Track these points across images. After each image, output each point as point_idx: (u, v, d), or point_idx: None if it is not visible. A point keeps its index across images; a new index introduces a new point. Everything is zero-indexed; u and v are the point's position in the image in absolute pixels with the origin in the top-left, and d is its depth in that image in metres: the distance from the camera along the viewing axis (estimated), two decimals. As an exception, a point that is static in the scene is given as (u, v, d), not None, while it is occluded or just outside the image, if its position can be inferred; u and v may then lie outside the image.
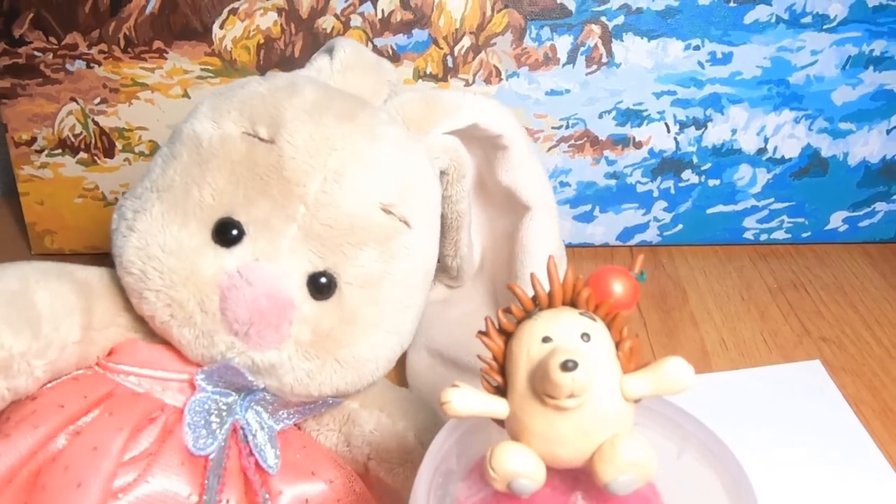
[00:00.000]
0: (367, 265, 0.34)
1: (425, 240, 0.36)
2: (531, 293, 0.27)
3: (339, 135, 0.34)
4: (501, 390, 0.27)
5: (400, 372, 0.51)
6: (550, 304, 0.27)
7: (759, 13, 0.58)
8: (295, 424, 0.37)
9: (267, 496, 0.31)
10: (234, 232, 0.33)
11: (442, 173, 0.41)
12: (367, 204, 0.34)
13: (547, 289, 0.27)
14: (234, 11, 0.58)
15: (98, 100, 0.61)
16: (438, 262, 0.48)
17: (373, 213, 0.34)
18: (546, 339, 0.25)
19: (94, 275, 0.36)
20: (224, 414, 0.33)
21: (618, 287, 0.27)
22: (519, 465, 0.25)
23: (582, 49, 0.60)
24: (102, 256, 0.69)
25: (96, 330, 0.34)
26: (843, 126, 0.62)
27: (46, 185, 0.64)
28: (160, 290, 0.32)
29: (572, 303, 0.27)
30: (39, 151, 0.63)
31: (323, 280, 0.33)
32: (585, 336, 0.25)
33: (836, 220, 0.67)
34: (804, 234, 0.68)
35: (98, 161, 0.63)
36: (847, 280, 0.64)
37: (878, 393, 0.50)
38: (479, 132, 0.41)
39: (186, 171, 0.34)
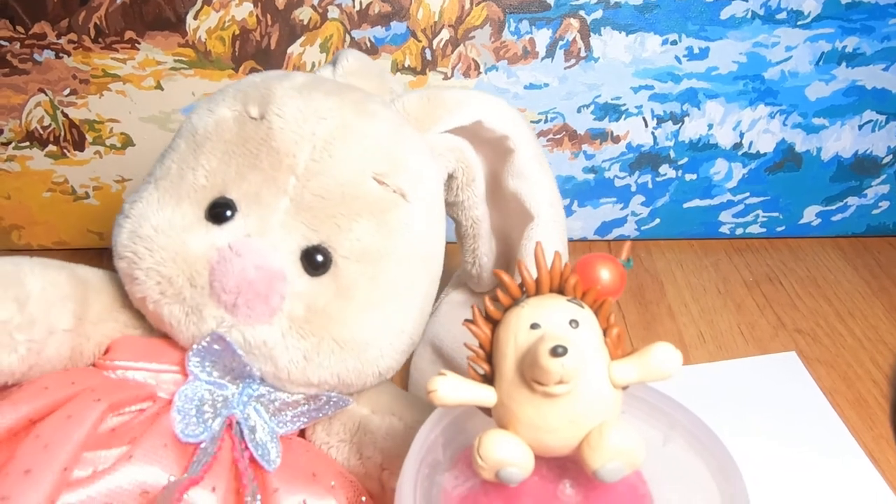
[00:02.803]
0: (363, 238, 0.33)
1: (426, 218, 0.35)
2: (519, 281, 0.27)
3: (327, 107, 0.34)
4: (488, 378, 0.26)
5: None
6: (538, 291, 0.27)
7: (735, 9, 0.59)
8: (301, 433, 0.35)
9: (257, 491, 0.30)
10: (228, 212, 0.33)
11: (450, 177, 0.40)
12: (358, 172, 0.33)
13: (534, 275, 0.27)
14: (208, 2, 0.57)
15: (67, 91, 0.60)
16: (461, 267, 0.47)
17: (365, 181, 0.33)
18: (534, 326, 0.25)
19: (93, 272, 0.36)
20: (219, 406, 0.32)
21: (605, 274, 0.27)
22: (507, 453, 0.24)
23: (560, 43, 0.59)
24: (71, 252, 0.68)
25: (91, 323, 0.34)
26: (817, 121, 0.63)
27: (14, 178, 0.62)
28: (150, 268, 0.32)
29: (559, 290, 0.27)
30: (6, 144, 0.61)
31: (318, 256, 0.33)
32: (574, 322, 0.25)
33: (810, 215, 0.68)
34: (779, 229, 0.69)
35: (67, 154, 0.62)
36: (821, 273, 0.64)
37: (853, 383, 0.51)
38: (485, 132, 0.40)
39: (182, 159, 0.34)
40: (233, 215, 0.33)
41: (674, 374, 0.25)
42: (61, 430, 0.29)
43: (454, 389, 0.25)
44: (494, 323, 0.27)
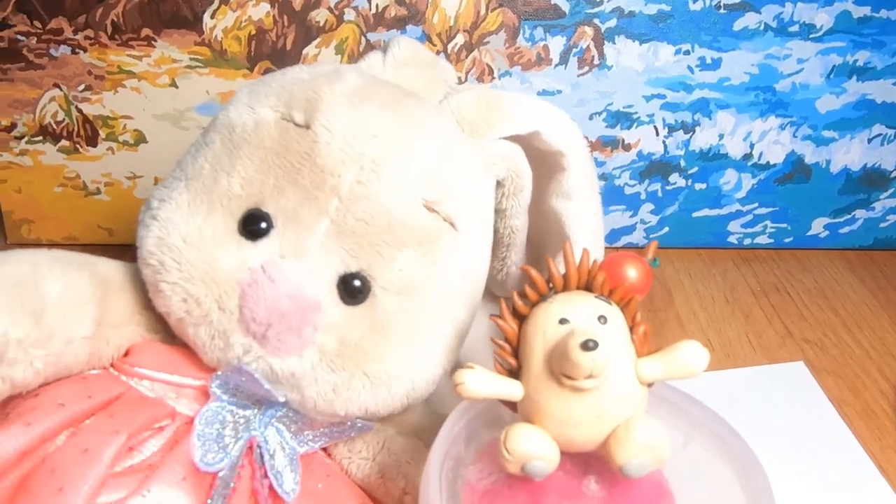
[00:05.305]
0: (405, 269, 0.31)
1: (474, 247, 0.33)
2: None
3: (380, 122, 0.31)
4: (514, 373, 0.27)
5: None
6: (565, 288, 0.27)
7: (748, 20, 0.59)
8: (323, 449, 0.34)
9: None
10: (263, 224, 0.31)
11: (498, 184, 0.38)
12: (407, 199, 0.31)
13: (562, 271, 0.27)
14: (225, 1, 0.57)
15: (82, 86, 0.60)
16: None
17: (414, 209, 0.31)
18: (563, 321, 0.25)
19: (115, 268, 0.33)
20: (240, 428, 0.30)
21: (632, 272, 0.27)
22: (534, 446, 0.25)
23: (574, 50, 0.60)
24: (80, 248, 0.67)
25: (111, 326, 0.32)
26: (827, 134, 0.64)
27: (25, 172, 0.62)
28: (176, 283, 0.30)
29: (587, 287, 0.27)
30: (19, 138, 0.61)
31: (356, 282, 0.31)
32: (602, 318, 0.26)
33: (818, 227, 0.68)
34: (786, 240, 0.69)
35: (80, 149, 0.62)
36: (828, 285, 0.65)
37: (860, 394, 0.51)
38: (540, 143, 0.37)
39: (216, 159, 0.32)
40: (268, 230, 0.31)
41: (700, 373, 0.26)
42: (77, 469, 0.27)
43: (481, 382, 0.25)
44: (521, 318, 0.27)
